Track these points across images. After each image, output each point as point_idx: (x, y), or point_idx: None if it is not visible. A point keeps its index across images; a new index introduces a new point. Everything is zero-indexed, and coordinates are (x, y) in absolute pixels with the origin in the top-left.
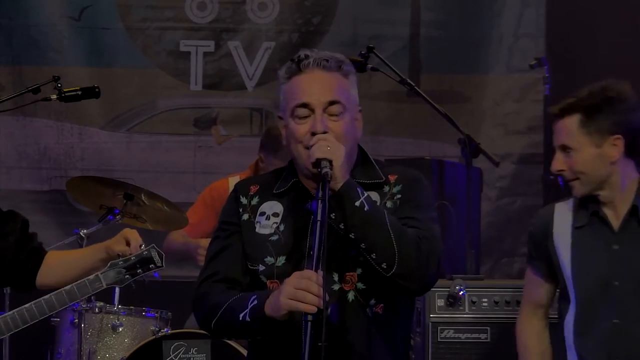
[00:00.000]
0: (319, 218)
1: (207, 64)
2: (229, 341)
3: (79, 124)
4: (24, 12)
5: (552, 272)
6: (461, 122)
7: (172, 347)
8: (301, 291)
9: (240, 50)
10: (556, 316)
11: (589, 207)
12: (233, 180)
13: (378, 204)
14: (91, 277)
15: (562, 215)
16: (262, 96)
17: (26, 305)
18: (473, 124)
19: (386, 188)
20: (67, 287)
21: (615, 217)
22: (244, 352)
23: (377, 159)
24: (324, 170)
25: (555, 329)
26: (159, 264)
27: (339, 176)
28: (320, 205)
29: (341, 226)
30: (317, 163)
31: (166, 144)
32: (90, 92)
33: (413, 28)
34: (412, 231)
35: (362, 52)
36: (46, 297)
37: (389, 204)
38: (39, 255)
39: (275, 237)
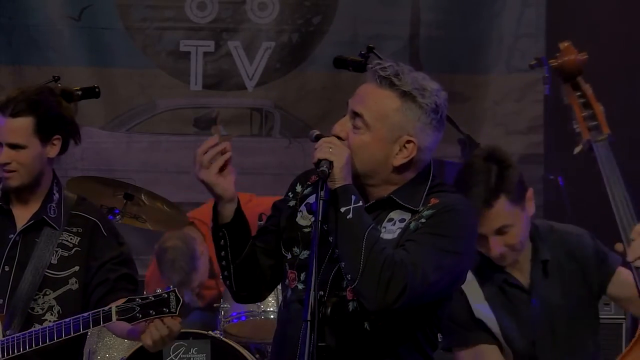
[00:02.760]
0: (318, 218)
1: (207, 64)
2: (228, 341)
3: (79, 124)
4: (24, 12)
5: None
6: (461, 122)
7: (172, 347)
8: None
9: (240, 50)
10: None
11: (494, 278)
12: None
13: (405, 222)
14: (105, 308)
15: (472, 294)
16: (262, 96)
17: (43, 326)
18: (473, 124)
19: (420, 209)
20: (85, 314)
21: (522, 276)
22: (244, 352)
23: (440, 183)
24: (321, 168)
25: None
26: (172, 310)
27: (338, 177)
28: (318, 204)
29: (325, 227)
30: (318, 163)
31: (166, 144)
32: (90, 92)
33: (413, 28)
34: (392, 254)
35: (362, 52)
36: (66, 320)
37: (412, 225)
38: (111, 293)
39: (308, 230)
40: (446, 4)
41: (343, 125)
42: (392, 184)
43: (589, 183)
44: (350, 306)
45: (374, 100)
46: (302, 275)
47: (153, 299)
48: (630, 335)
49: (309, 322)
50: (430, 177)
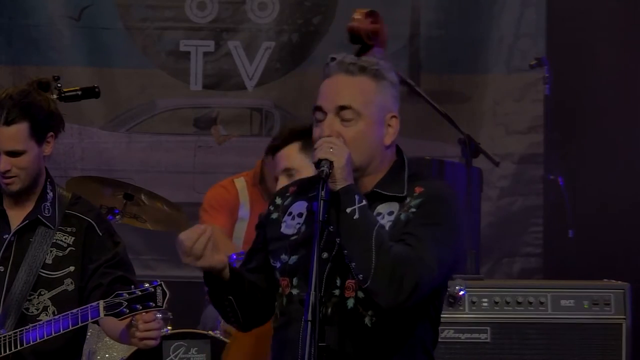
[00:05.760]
0: (319, 218)
1: (207, 64)
2: (228, 341)
3: (79, 124)
4: (24, 12)
5: None
6: (461, 122)
7: (172, 347)
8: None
9: (240, 50)
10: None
11: None
12: (239, 182)
13: (394, 214)
14: (94, 304)
15: None
16: (262, 96)
17: (33, 324)
18: (473, 124)
19: (407, 200)
20: (74, 311)
21: None
22: None
23: (418, 170)
24: (322, 169)
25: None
26: (159, 304)
27: (339, 178)
28: (319, 205)
29: (331, 228)
30: (318, 163)
31: (166, 144)
32: (90, 92)
33: (413, 28)
34: (400, 250)
35: None
36: (56, 317)
37: (402, 216)
38: (104, 295)
39: (294, 237)
40: (446, 4)
41: (332, 126)
42: (379, 170)
43: (589, 183)
44: (349, 304)
45: (354, 88)
46: (295, 280)
47: (140, 293)
48: (631, 335)
49: (309, 322)
50: (406, 164)
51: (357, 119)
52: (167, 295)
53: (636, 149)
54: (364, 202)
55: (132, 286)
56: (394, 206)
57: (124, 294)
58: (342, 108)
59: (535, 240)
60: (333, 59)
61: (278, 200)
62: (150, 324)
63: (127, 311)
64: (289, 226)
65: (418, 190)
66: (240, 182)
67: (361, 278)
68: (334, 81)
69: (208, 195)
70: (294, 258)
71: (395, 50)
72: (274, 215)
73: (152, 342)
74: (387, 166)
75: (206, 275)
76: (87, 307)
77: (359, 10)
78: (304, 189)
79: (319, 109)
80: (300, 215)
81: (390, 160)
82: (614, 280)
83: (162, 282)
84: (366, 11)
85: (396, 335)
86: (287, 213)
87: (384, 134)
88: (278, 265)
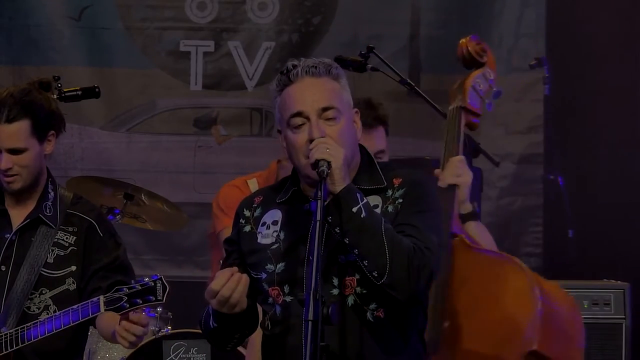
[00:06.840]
0: (317, 218)
1: (207, 64)
2: None
3: (79, 124)
4: (24, 12)
5: None
6: None
7: (172, 347)
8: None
9: (240, 50)
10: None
11: None
12: (252, 184)
13: (380, 207)
14: (94, 299)
15: None
16: (262, 96)
17: (34, 322)
18: None
19: (389, 192)
20: (75, 306)
21: None
22: (245, 352)
23: (385, 161)
24: (321, 169)
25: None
26: (159, 298)
27: (338, 178)
28: (318, 204)
29: (337, 230)
30: (316, 164)
31: (166, 144)
32: (90, 92)
33: (413, 28)
34: (407, 241)
35: (362, 52)
36: (57, 313)
37: (390, 208)
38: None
39: (275, 246)
40: (446, 4)
41: (320, 127)
42: (354, 167)
43: (589, 183)
44: (349, 301)
45: (327, 88)
46: (286, 288)
47: (140, 287)
48: (631, 335)
49: (311, 322)
50: (370, 157)
51: (340, 117)
52: (167, 289)
53: (636, 149)
54: (366, 200)
55: (132, 281)
56: (376, 199)
57: (124, 289)
58: (325, 109)
59: (535, 240)
60: (294, 65)
61: (246, 212)
62: (132, 326)
63: (128, 305)
64: (266, 236)
65: (397, 181)
66: (254, 184)
67: (376, 275)
68: (305, 85)
69: (222, 194)
70: (280, 266)
71: (395, 50)
72: (247, 228)
73: (134, 339)
74: (359, 162)
75: (223, 315)
76: (88, 303)
77: (462, 39)
78: (271, 197)
79: (299, 114)
80: (275, 223)
81: (359, 156)
82: (614, 280)
83: (162, 276)
84: (468, 37)
85: (397, 325)
86: (261, 224)
87: (355, 129)
88: (263, 276)
